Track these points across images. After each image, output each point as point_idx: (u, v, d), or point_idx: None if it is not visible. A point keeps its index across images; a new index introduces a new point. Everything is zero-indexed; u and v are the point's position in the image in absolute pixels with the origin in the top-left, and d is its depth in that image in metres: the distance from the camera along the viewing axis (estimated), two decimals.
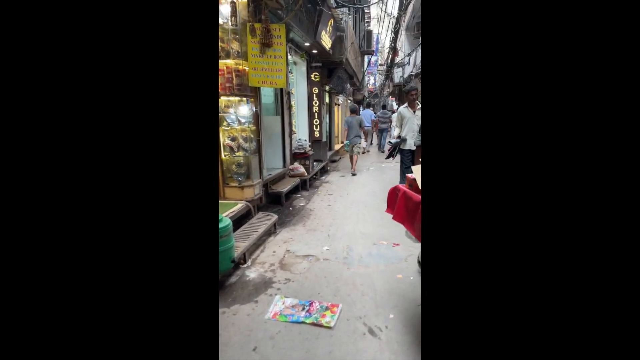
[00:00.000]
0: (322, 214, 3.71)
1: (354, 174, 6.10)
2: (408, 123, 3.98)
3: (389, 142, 4.12)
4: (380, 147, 9.49)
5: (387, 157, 4.23)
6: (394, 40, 10.73)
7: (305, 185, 5.10)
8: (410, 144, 3.95)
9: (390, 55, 11.62)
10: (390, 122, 8.06)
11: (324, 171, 6.58)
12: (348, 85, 10.49)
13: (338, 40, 6.50)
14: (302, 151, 5.26)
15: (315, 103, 6.35)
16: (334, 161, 7.99)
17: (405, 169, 4.10)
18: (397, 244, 2.76)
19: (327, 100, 8.76)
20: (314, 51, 5.86)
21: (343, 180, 5.76)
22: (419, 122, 3.91)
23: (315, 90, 6.31)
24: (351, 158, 6.29)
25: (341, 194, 4.67)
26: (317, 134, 6.49)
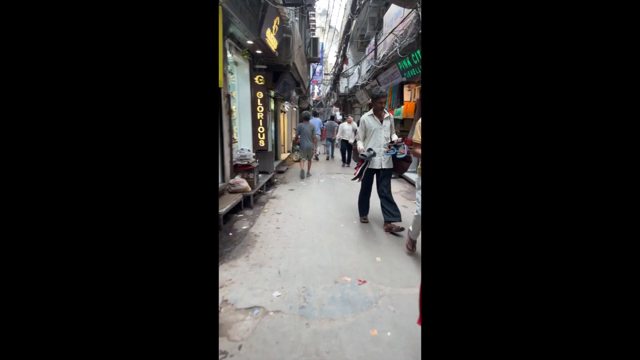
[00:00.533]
0: (270, 240, 3.09)
1: (309, 174, 6.84)
2: (374, 135, 3.25)
3: (362, 154, 3.24)
4: (328, 156, 10.18)
5: (355, 178, 3.49)
6: (344, 48, 10.64)
7: (249, 202, 4.40)
8: (377, 163, 3.26)
9: (339, 64, 11.52)
10: (336, 132, 8.05)
11: (270, 184, 5.92)
12: (294, 92, 10.04)
13: (285, 42, 5.99)
14: (245, 163, 4.56)
15: (260, 109, 5.70)
16: (280, 172, 7.38)
17: (363, 193, 3.58)
18: (364, 281, 2.28)
19: (272, 106, 8.16)
20: (258, 51, 5.25)
21: (292, 194, 5.19)
22: (387, 135, 3.27)
23: (260, 94, 5.67)
24: (302, 163, 6.80)
25: (291, 212, 4.08)
26: (262, 143, 5.83)
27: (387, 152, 3.22)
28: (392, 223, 3.19)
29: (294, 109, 13.37)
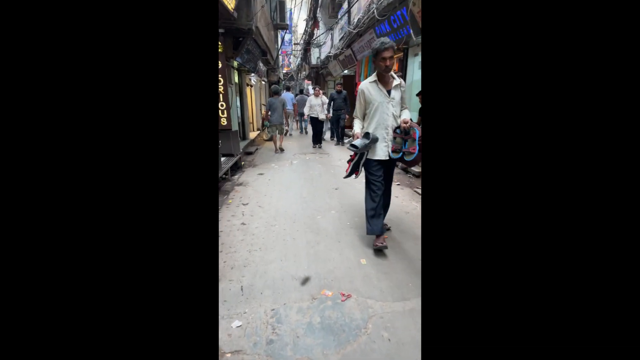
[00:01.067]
0: (233, 242, 2.56)
1: (282, 150, 6.85)
2: (378, 111, 2.15)
3: (351, 145, 2.17)
4: (302, 131, 10.10)
5: (349, 176, 2.33)
6: (314, 8, 9.67)
7: None
8: (382, 150, 2.19)
9: (309, 29, 10.53)
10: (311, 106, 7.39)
11: (236, 168, 5.29)
12: (261, 63, 9.10)
13: (245, 2, 5.12)
14: None
15: (220, 81, 4.91)
16: (249, 153, 6.70)
17: (371, 192, 2.21)
18: (348, 295, 1.84)
19: (236, 79, 7.28)
20: None
21: (262, 180, 4.61)
22: (397, 112, 2.18)
23: (219, 64, 4.86)
24: (274, 139, 6.83)
25: (260, 203, 3.54)
26: (223, 122, 5.09)
27: (391, 150, 2.20)
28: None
29: (263, 82, 12.36)
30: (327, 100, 7.30)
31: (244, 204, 3.51)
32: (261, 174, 4.95)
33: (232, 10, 4.56)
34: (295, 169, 5.25)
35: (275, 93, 6.66)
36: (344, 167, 3.74)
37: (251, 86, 9.54)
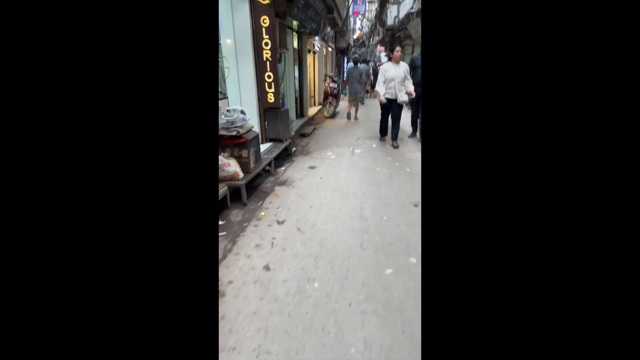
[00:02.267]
0: (240, 317, 1.52)
1: (356, 119, 6.98)
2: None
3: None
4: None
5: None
6: None
7: (240, 195, 2.82)
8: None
9: None
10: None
11: (285, 156, 4.26)
12: (325, 24, 7.66)
13: None
14: (234, 133, 2.87)
15: (267, 45, 3.79)
16: (304, 135, 5.62)
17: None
18: None
19: (295, 43, 6.08)
20: None
21: (311, 177, 3.48)
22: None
23: (266, 21, 3.71)
24: (350, 106, 7.01)
25: (301, 223, 2.44)
26: (271, 98, 4.02)
27: None
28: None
29: (329, 49, 10.92)
30: (407, 68, 4.44)
31: (278, 222, 2.45)
32: (313, 168, 3.82)
33: None
34: (357, 162, 3.98)
35: (354, 62, 7.17)
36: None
37: (314, 52, 8.26)
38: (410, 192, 3.00)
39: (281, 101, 4.15)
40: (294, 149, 4.62)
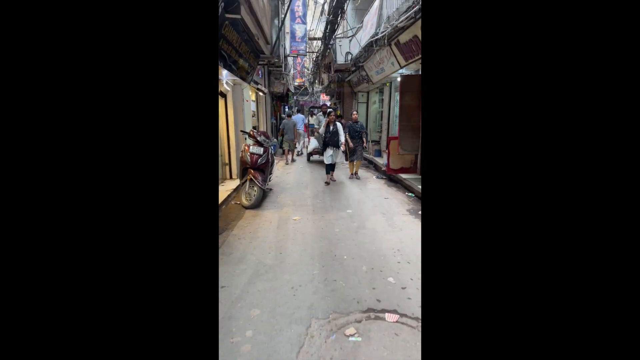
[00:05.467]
0: None
1: (294, 160, 7.77)
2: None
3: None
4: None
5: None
6: None
7: None
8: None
9: (332, 8, 6.02)
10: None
11: None
12: (249, 59, 4.73)
13: None
14: None
15: None
16: None
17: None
18: None
19: None
20: None
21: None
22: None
23: None
24: (285, 154, 7.83)
25: None
26: None
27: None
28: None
29: (260, 93, 8.05)
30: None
31: None
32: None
33: None
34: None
35: (288, 115, 8.01)
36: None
37: (222, 95, 5.19)
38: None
39: None
40: None
